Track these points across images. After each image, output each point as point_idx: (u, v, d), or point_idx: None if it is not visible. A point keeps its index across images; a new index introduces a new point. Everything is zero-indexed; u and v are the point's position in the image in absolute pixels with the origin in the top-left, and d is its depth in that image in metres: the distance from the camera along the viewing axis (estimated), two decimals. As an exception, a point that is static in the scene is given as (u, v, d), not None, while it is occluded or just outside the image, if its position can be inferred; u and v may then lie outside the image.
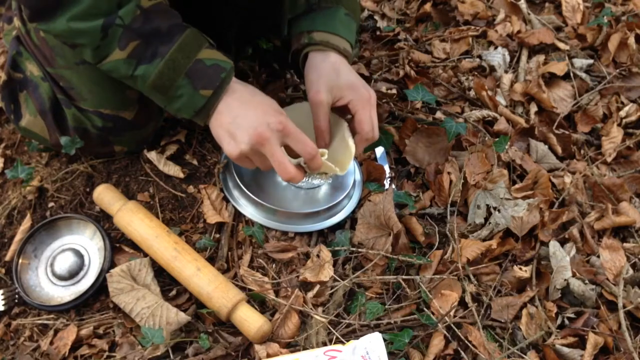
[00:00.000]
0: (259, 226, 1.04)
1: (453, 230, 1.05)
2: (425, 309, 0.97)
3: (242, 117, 0.89)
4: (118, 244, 1.04)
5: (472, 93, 1.35)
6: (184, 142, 1.16)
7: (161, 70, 0.87)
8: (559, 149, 1.24)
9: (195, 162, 1.14)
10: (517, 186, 1.12)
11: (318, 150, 0.91)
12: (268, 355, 0.89)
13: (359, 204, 1.10)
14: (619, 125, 1.31)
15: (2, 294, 1.01)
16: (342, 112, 1.02)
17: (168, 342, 0.92)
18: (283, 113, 0.91)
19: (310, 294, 0.97)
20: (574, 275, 1.00)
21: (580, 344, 0.95)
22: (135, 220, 1.01)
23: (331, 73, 0.99)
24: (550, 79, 1.39)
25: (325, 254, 1.01)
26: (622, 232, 1.12)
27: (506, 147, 1.16)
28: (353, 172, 1.11)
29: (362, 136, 0.99)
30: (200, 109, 0.89)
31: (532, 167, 1.17)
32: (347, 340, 0.90)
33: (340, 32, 1.03)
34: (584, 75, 1.40)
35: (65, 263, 1.02)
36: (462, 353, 0.91)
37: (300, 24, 1.05)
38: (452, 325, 0.93)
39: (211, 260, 1.02)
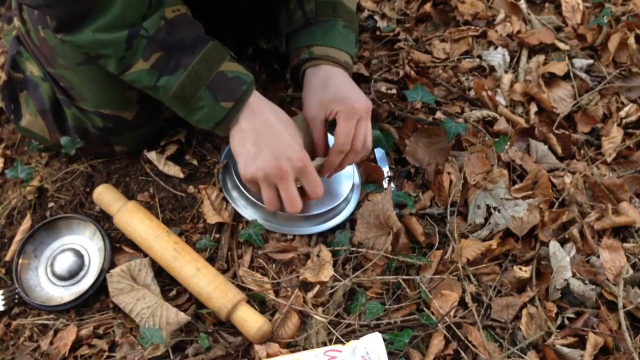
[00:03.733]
0: (256, 229, 1.03)
1: (453, 230, 1.05)
2: (425, 309, 0.97)
3: (265, 144, 0.90)
4: (118, 244, 1.04)
5: (472, 93, 1.35)
6: (184, 142, 1.16)
7: (183, 82, 0.87)
8: (559, 149, 1.24)
9: (195, 162, 1.14)
10: (517, 186, 1.12)
11: (322, 192, 0.95)
12: (268, 355, 0.90)
13: (358, 206, 1.10)
14: (619, 125, 1.31)
15: (2, 294, 1.01)
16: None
17: (168, 342, 0.92)
18: (304, 148, 0.92)
19: (310, 294, 0.97)
20: (574, 275, 1.00)
21: (580, 344, 0.95)
22: (135, 221, 1.01)
23: (320, 88, 0.99)
24: (550, 79, 1.39)
25: (325, 254, 1.01)
26: (622, 232, 1.12)
27: (506, 147, 1.16)
28: (352, 176, 1.11)
29: (336, 148, 0.97)
30: (220, 121, 0.90)
31: (532, 167, 1.17)
32: (347, 340, 0.90)
33: (340, 45, 1.03)
34: (584, 75, 1.40)
35: (65, 263, 1.02)
36: (462, 353, 0.91)
37: (298, 38, 1.05)
38: (452, 325, 0.93)
39: (211, 260, 1.02)
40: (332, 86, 0.99)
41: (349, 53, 1.05)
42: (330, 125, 1.02)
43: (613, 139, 1.27)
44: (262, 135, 0.90)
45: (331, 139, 1.01)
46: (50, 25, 0.89)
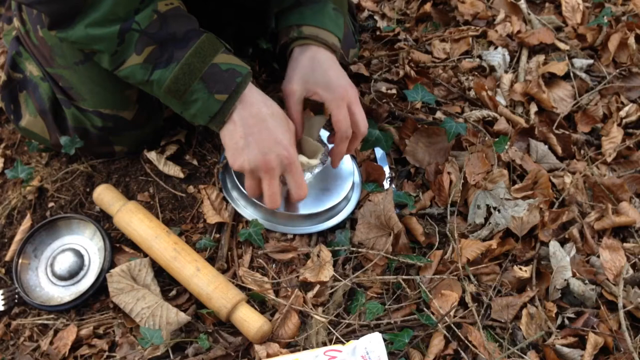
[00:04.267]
0: (256, 228, 1.04)
1: (453, 230, 1.05)
2: (425, 309, 0.97)
3: (255, 137, 0.90)
4: (118, 244, 1.04)
5: (472, 93, 1.35)
6: (184, 142, 1.16)
7: (176, 75, 0.87)
8: (559, 149, 1.24)
9: (195, 162, 1.14)
10: (517, 186, 1.12)
11: (306, 193, 0.96)
12: (268, 355, 0.90)
13: (358, 205, 1.10)
14: (619, 125, 1.31)
15: (2, 294, 1.01)
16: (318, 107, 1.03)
17: (168, 342, 0.92)
18: (293, 145, 0.93)
19: (310, 294, 0.97)
20: (574, 275, 1.00)
21: (580, 344, 0.95)
22: (134, 221, 1.01)
23: (308, 67, 0.99)
24: (550, 79, 1.39)
25: (326, 254, 1.01)
26: (622, 232, 1.12)
27: (506, 147, 1.16)
28: (352, 175, 1.11)
29: (340, 135, 0.98)
30: (215, 114, 0.90)
31: (532, 167, 1.17)
32: (347, 340, 0.90)
33: (329, 26, 1.03)
34: (584, 75, 1.40)
35: (65, 263, 1.02)
36: (462, 353, 0.91)
37: (289, 17, 1.05)
38: (452, 325, 0.93)
39: (211, 260, 1.02)
40: (319, 68, 0.99)
41: (337, 36, 1.05)
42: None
43: (613, 139, 1.27)
44: (251, 129, 0.90)
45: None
46: (45, 22, 0.89)
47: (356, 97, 1.00)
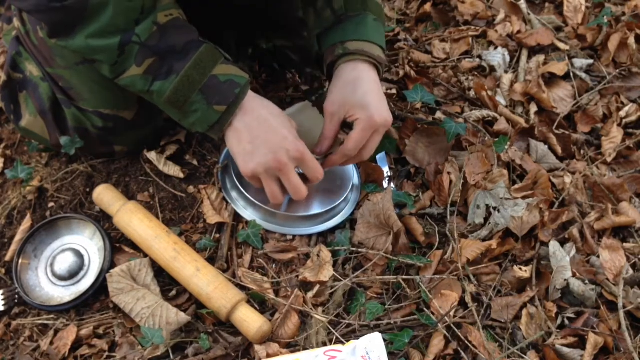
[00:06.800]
0: (255, 229, 1.04)
1: (453, 230, 1.05)
2: (425, 309, 0.97)
3: (261, 140, 0.91)
4: (118, 244, 1.04)
5: (472, 93, 1.35)
6: (184, 142, 1.16)
7: (176, 87, 0.88)
8: (559, 149, 1.24)
9: (195, 162, 1.14)
10: (517, 186, 1.12)
11: (323, 174, 0.96)
12: (268, 355, 0.90)
13: (358, 206, 1.10)
14: (619, 125, 1.31)
15: (2, 294, 1.01)
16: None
17: (168, 342, 0.92)
18: (299, 139, 0.93)
19: (310, 294, 0.97)
20: (574, 275, 1.00)
21: (580, 344, 0.95)
22: (134, 221, 1.01)
23: (349, 87, 0.99)
24: (550, 79, 1.39)
25: (325, 254, 1.01)
26: (622, 232, 1.12)
27: (506, 147, 1.16)
28: (352, 176, 1.11)
29: (343, 151, 0.99)
30: (214, 124, 0.91)
31: (532, 167, 1.17)
32: (347, 340, 0.90)
33: (373, 38, 1.03)
34: (584, 75, 1.40)
35: (65, 263, 1.02)
36: (462, 353, 0.91)
37: (331, 36, 1.05)
38: (452, 325, 0.93)
39: (211, 260, 1.02)
40: (360, 90, 0.98)
41: (381, 46, 1.04)
42: (345, 125, 1.03)
43: (613, 139, 1.27)
44: (256, 132, 0.91)
45: None
46: (45, 30, 0.90)
47: (385, 128, 0.99)
